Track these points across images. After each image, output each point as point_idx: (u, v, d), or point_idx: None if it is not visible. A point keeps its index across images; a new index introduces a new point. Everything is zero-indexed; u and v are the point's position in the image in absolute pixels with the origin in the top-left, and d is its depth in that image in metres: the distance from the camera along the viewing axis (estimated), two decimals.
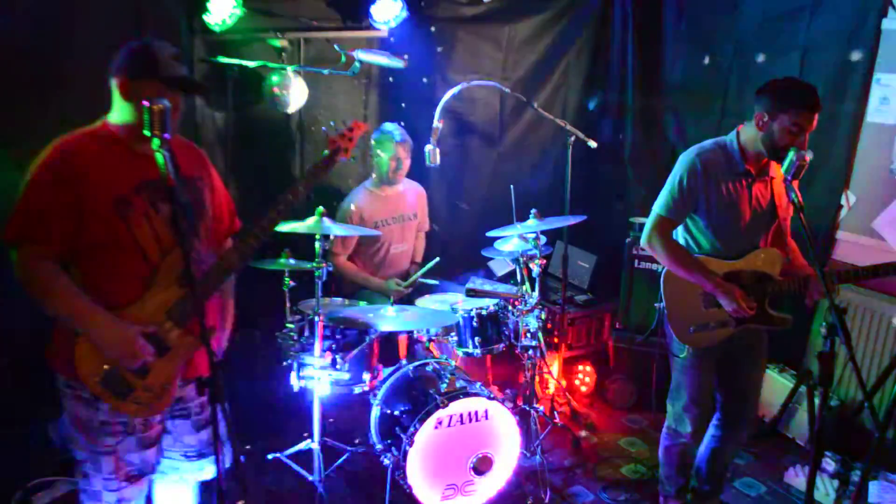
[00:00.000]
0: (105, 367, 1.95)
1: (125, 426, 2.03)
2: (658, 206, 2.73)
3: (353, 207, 3.76)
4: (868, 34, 3.66)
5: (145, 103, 1.79)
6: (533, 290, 3.50)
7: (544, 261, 3.55)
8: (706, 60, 4.39)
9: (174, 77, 1.96)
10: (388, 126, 3.80)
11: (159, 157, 1.77)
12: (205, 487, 2.36)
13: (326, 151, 2.27)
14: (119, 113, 2.01)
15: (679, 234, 2.80)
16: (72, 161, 1.92)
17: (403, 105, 4.33)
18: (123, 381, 1.97)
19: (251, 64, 3.58)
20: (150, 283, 2.01)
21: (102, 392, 1.96)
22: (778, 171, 2.71)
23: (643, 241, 2.76)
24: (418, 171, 4.10)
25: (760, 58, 4.02)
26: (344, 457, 3.39)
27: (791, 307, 2.80)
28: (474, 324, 3.37)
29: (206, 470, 2.29)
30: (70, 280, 1.95)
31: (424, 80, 4.30)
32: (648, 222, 2.75)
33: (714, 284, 2.64)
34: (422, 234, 4.17)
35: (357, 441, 3.52)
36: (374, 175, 3.85)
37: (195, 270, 2.08)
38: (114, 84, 1.99)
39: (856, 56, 3.70)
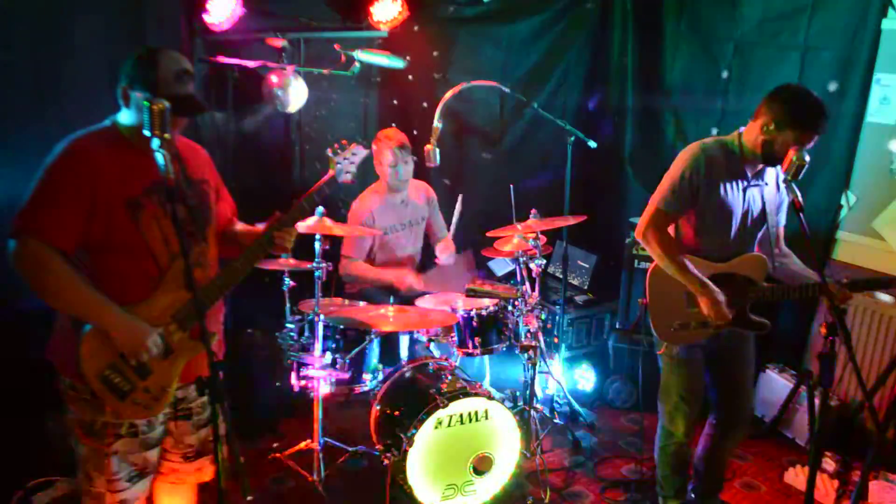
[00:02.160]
0: (107, 365, 1.94)
1: (128, 427, 2.03)
2: (656, 199, 2.70)
3: (366, 210, 3.70)
4: (868, 34, 3.66)
5: (145, 103, 1.78)
6: (533, 290, 3.50)
7: (544, 261, 3.55)
8: (706, 60, 4.40)
9: (170, 96, 1.90)
10: (384, 133, 3.75)
11: (159, 158, 1.77)
12: (204, 487, 2.36)
13: (332, 173, 2.27)
14: (124, 114, 2.01)
15: (670, 231, 2.79)
16: (86, 160, 1.91)
17: (403, 105, 4.33)
18: (125, 381, 1.97)
19: (251, 64, 3.58)
20: (157, 285, 2.00)
21: (103, 391, 1.95)
22: (771, 178, 2.72)
23: (637, 233, 2.75)
24: (418, 172, 4.09)
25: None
26: (344, 457, 3.39)
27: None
28: (474, 324, 3.37)
29: (205, 470, 2.28)
30: (80, 273, 1.94)
31: (424, 80, 4.30)
32: (644, 215, 2.73)
33: (700, 285, 2.64)
34: (443, 234, 4.06)
35: (357, 441, 3.52)
36: (380, 180, 3.84)
37: (202, 275, 2.08)
38: (119, 85, 1.99)
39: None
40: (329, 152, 2.29)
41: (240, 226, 2.38)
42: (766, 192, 2.72)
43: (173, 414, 2.17)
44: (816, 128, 2.50)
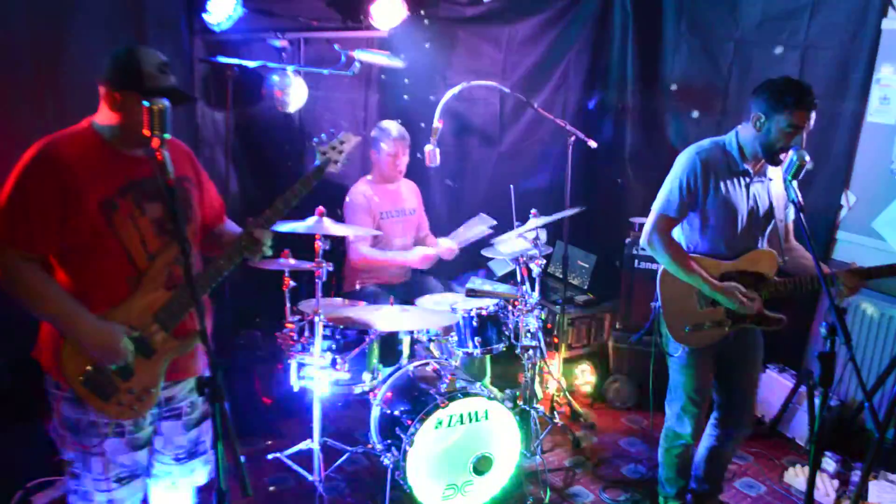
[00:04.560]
0: (88, 368, 1.93)
1: (114, 427, 2.00)
2: (657, 205, 2.74)
3: (363, 195, 3.79)
4: (868, 34, 3.66)
5: (145, 103, 1.78)
6: (533, 290, 3.50)
7: (544, 261, 3.55)
8: (706, 60, 4.40)
9: (158, 90, 1.91)
10: (386, 123, 3.85)
11: (162, 157, 1.76)
12: (204, 488, 2.35)
13: (317, 162, 2.24)
14: (105, 116, 1.98)
15: (676, 233, 2.80)
16: (55, 162, 1.88)
17: (403, 105, 4.33)
18: (108, 383, 1.95)
19: (251, 64, 3.58)
20: (136, 286, 1.98)
21: (86, 394, 1.94)
22: (777, 172, 2.72)
23: (643, 241, 2.77)
24: (419, 171, 4.10)
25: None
26: (344, 457, 3.39)
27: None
28: (474, 324, 3.37)
29: (198, 472, 2.25)
30: (54, 281, 1.92)
31: (424, 80, 4.30)
32: (648, 221, 2.75)
33: (711, 286, 2.65)
34: (427, 231, 4.17)
35: (357, 441, 3.52)
36: (373, 172, 3.88)
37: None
38: (100, 89, 1.96)
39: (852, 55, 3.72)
40: (314, 141, 2.26)
41: (227, 226, 2.35)
42: (773, 188, 2.72)
43: (161, 414, 2.13)
44: (802, 102, 2.48)
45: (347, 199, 3.84)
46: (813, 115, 2.51)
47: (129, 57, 1.92)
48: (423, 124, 4.13)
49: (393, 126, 3.82)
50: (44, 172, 1.87)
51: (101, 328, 1.91)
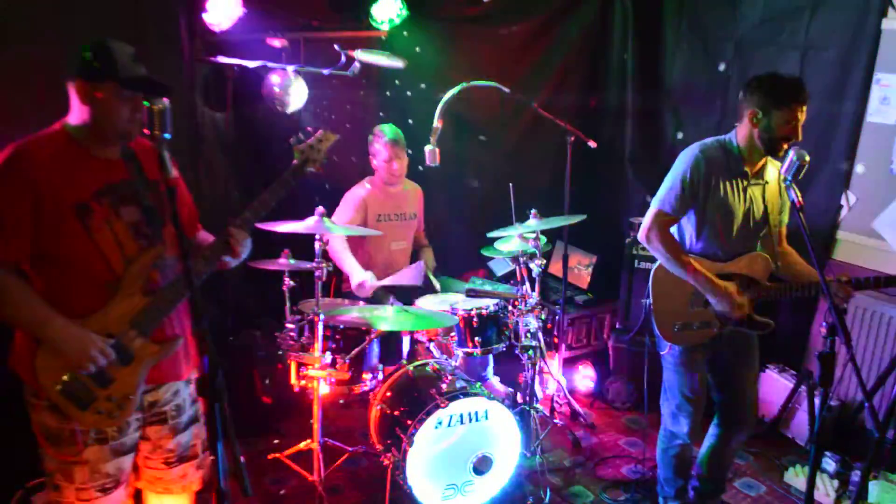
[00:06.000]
0: (65, 377, 1.88)
1: (98, 434, 1.97)
2: (657, 201, 2.72)
3: (359, 195, 3.81)
4: (868, 34, 3.66)
5: (146, 104, 1.77)
6: (533, 290, 3.50)
7: (544, 261, 3.56)
8: (706, 60, 4.40)
9: (134, 78, 1.89)
10: (381, 127, 3.85)
11: (163, 157, 1.76)
12: (204, 487, 2.34)
13: (295, 161, 2.20)
14: (77, 115, 1.94)
15: (672, 233, 2.80)
16: (26, 167, 1.83)
17: (403, 105, 4.33)
18: (85, 391, 1.91)
19: (251, 64, 3.57)
20: (113, 292, 1.94)
21: (64, 402, 1.90)
22: (772, 177, 2.72)
23: (641, 236, 2.76)
24: (419, 171, 4.10)
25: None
26: (344, 457, 3.39)
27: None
28: (474, 324, 3.37)
29: (189, 477, 2.21)
30: (27, 287, 1.89)
31: (424, 80, 4.30)
32: (647, 217, 2.74)
33: (711, 283, 2.64)
34: (421, 234, 4.19)
35: (357, 441, 3.52)
36: (376, 174, 3.89)
37: (160, 278, 2.02)
38: (70, 88, 1.93)
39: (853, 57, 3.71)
40: (291, 141, 2.22)
41: (201, 235, 2.31)
42: (768, 191, 2.72)
43: (145, 419, 2.09)
44: (799, 97, 2.52)
45: (348, 193, 3.88)
46: (805, 107, 2.54)
47: (101, 48, 1.90)
48: (425, 125, 4.14)
49: (388, 129, 3.82)
50: (15, 178, 1.83)
51: (74, 331, 1.87)
